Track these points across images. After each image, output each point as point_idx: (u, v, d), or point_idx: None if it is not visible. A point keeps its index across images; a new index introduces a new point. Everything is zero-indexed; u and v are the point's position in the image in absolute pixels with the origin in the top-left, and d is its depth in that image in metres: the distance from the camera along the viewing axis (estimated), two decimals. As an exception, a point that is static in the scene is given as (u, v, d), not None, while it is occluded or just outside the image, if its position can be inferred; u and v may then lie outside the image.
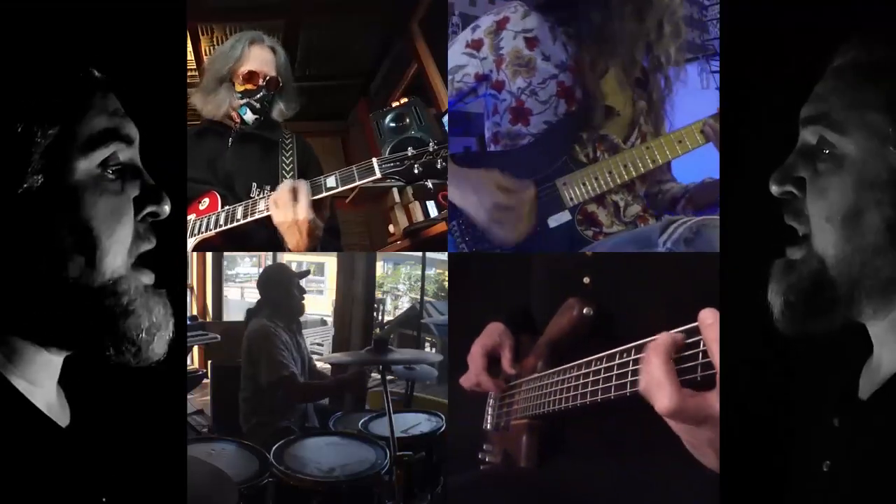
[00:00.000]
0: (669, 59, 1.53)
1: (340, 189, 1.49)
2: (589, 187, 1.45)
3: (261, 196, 1.72)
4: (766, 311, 0.81)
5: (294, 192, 1.46)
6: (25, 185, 0.68)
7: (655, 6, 1.46)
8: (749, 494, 1.06)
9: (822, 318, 0.77)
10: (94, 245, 0.70)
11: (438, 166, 1.42)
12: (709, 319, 0.82)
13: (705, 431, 0.83)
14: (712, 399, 0.81)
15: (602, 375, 1.00)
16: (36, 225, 0.69)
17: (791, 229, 0.80)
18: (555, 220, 1.44)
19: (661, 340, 0.85)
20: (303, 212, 1.44)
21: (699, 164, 1.58)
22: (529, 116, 1.50)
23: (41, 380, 0.74)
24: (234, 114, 1.83)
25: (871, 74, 0.75)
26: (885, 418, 0.75)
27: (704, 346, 0.82)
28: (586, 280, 1.22)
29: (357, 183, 1.47)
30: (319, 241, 1.50)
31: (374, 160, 1.48)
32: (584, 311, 1.16)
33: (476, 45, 1.53)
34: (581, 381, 1.06)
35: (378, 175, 1.46)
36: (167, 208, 0.76)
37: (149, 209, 0.75)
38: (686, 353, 0.85)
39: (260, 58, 1.81)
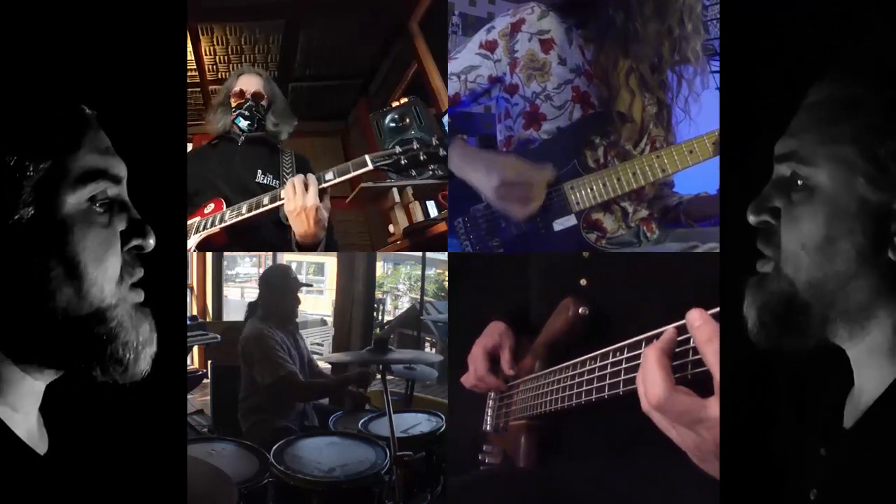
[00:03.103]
0: (698, 58, 1.49)
1: (337, 181, 1.61)
2: (596, 192, 1.43)
3: (265, 183, 1.96)
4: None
5: (304, 183, 1.60)
6: (16, 217, 0.70)
7: (674, 4, 1.44)
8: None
9: (796, 336, 0.79)
10: (82, 276, 0.72)
11: (421, 158, 1.55)
12: (697, 321, 0.78)
13: (700, 435, 0.80)
14: (708, 403, 0.78)
15: (596, 374, 1.00)
16: (25, 255, 0.70)
17: (761, 255, 0.82)
18: (560, 224, 1.44)
19: (663, 337, 0.83)
20: (311, 199, 1.58)
21: (698, 177, 1.57)
22: (543, 122, 1.49)
23: (25, 406, 0.75)
24: (234, 127, 2.11)
25: (844, 109, 0.76)
26: (869, 447, 0.76)
27: (695, 345, 0.80)
28: (583, 282, 1.22)
29: (352, 174, 1.60)
30: (324, 229, 1.63)
31: (367, 155, 1.61)
32: (580, 311, 1.17)
33: (490, 46, 1.51)
34: (576, 380, 1.06)
35: (370, 167, 1.59)
36: (152, 242, 0.78)
37: (134, 242, 0.77)
38: (678, 350, 0.83)
39: (246, 81, 2.16)
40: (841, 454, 0.79)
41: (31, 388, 0.75)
